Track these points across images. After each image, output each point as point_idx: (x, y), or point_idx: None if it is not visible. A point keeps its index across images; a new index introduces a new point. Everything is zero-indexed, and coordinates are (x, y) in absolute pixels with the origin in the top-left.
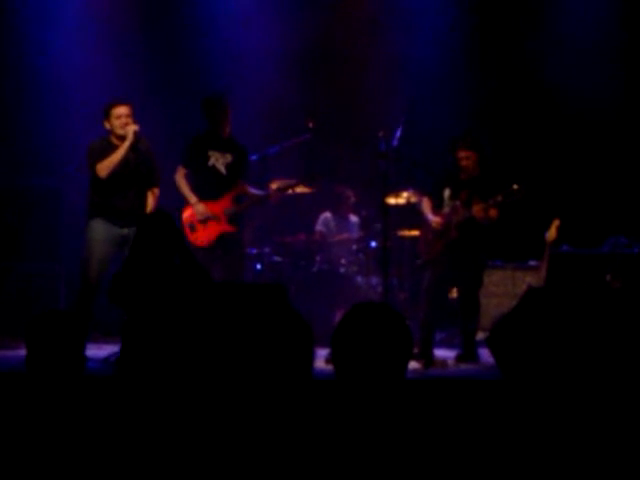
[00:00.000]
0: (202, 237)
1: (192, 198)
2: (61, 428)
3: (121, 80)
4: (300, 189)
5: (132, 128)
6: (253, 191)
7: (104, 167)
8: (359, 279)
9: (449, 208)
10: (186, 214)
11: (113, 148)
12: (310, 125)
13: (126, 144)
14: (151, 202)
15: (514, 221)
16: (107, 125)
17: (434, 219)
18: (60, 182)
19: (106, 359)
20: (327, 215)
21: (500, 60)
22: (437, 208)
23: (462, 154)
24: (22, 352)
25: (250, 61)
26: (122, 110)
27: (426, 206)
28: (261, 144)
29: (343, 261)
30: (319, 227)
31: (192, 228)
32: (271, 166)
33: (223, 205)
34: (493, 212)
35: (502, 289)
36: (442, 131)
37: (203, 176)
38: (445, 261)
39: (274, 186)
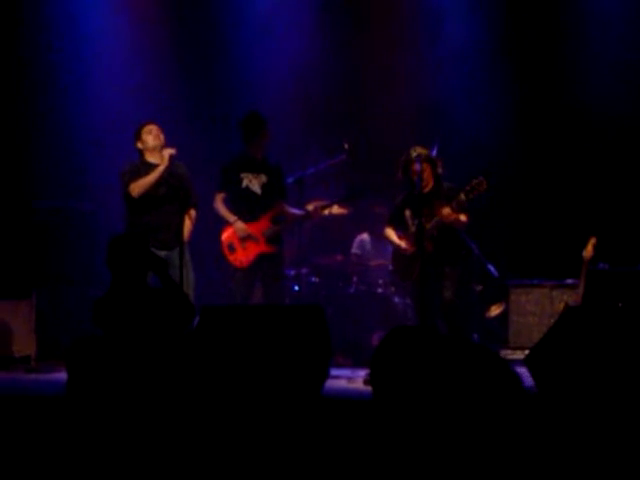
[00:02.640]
0: (241, 258)
1: (231, 217)
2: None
3: (155, 104)
4: (338, 210)
5: (168, 152)
6: (292, 211)
7: (137, 187)
8: (396, 300)
9: (414, 227)
10: (225, 235)
11: (147, 166)
12: (346, 146)
13: (161, 168)
14: (188, 224)
15: (551, 239)
16: (139, 145)
17: (405, 246)
18: (96, 205)
19: None
20: (364, 237)
21: (534, 75)
22: (404, 231)
23: (416, 166)
24: (62, 376)
25: (283, 81)
26: (151, 126)
27: (390, 234)
28: (297, 166)
29: (380, 282)
30: (354, 250)
31: (231, 249)
32: (307, 187)
33: (262, 226)
34: (463, 217)
35: (539, 308)
36: (476, 147)
37: (239, 198)
38: (426, 276)
39: (311, 207)
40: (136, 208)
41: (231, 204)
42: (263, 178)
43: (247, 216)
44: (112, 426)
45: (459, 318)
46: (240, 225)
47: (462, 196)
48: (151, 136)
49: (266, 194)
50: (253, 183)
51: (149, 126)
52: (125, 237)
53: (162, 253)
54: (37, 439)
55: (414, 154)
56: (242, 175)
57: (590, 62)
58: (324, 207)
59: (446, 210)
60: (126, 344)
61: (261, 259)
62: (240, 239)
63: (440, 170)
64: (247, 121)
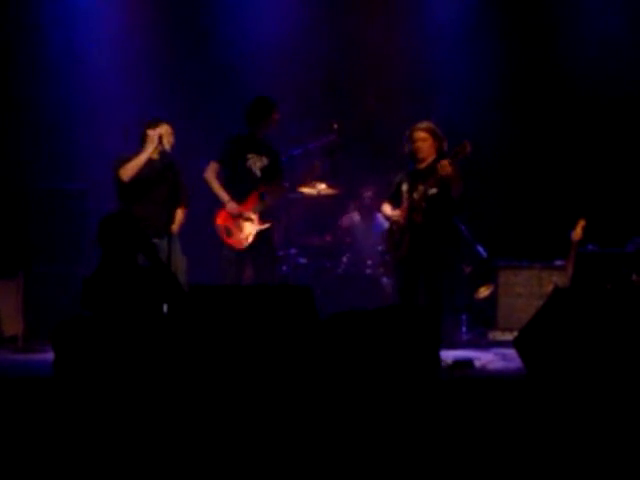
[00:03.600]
0: (239, 239)
1: (225, 196)
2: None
3: (148, 86)
4: (327, 190)
5: (157, 132)
6: (283, 184)
7: (127, 170)
8: (385, 280)
9: (407, 201)
10: (220, 219)
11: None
12: (335, 126)
13: (149, 147)
14: (179, 217)
15: (540, 221)
16: (150, 132)
17: (396, 214)
18: (85, 185)
19: None
20: (354, 215)
21: (526, 54)
22: (398, 205)
23: (419, 135)
24: (49, 356)
25: (272, 61)
26: (166, 126)
27: (386, 208)
28: (286, 145)
29: (369, 263)
30: (343, 222)
31: (228, 232)
32: (296, 167)
33: (252, 204)
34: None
35: (528, 289)
36: (467, 127)
37: (238, 176)
38: (415, 256)
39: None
40: (127, 195)
41: (227, 180)
42: (265, 161)
43: (240, 195)
44: (100, 406)
45: (443, 297)
46: (233, 205)
47: (448, 160)
48: (165, 138)
49: (264, 177)
50: (256, 165)
51: (167, 126)
52: (117, 215)
53: (153, 241)
54: (24, 419)
55: (421, 126)
56: (248, 155)
57: (580, 38)
58: (307, 179)
59: (443, 162)
60: (114, 324)
61: (256, 238)
62: (234, 220)
63: (445, 147)
64: (261, 102)
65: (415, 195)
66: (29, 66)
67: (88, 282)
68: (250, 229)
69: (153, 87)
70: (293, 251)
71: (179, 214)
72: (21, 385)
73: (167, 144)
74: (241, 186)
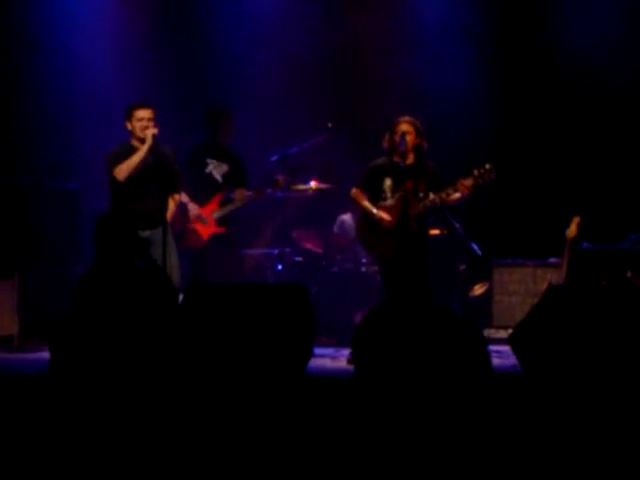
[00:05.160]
0: (192, 240)
1: (184, 197)
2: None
3: (140, 84)
4: (317, 186)
5: (151, 131)
6: (247, 192)
7: (122, 170)
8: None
9: (394, 201)
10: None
11: (133, 151)
12: (329, 125)
13: (144, 147)
14: (172, 207)
15: (534, 219)
16: (129, 126)
17: (386, 217)
18: (81, 184)
19: None
20: (345, 217)
21: (521, 52)
22: (375, 199)
23: (403, 127)
24: (45, 355)
25: (267, 60)
26: (144, 113)
27: (362, 197)
28: (280, 144)
29: (364, 260)
30: (336, 230)
31: (184, 233)
32: (291, 166)
33: (210, 208)
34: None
35: (523, 287)
36: (460, 123)
37: (200, 182)
38: (401, 255)
39: (280, 178)
40: (121, 191)
41: (188, 184)
42: (225, 167)
43: (202, 200)
44: (96, 405)
45: (432, 296)
46: (193, 206)
47: (470, 180)
48: (140, 125)
49: (226, 183)
50: (216, 171)
51: (142, 111)
52: (113, 215)
53: (146, 233)
54: (20, 419)
55: (405, 118)
56: (207, 160)
57: (573, 32)
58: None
59: (466, 183)
60: (109, 322)
61: (212, 240)
62: (191, 221)
63: (425, 146)
64: (211, 112)
65: (421, 206)
66: (23, 65)
67: (84, 279)
68: (204, 232)
69: (151, 87)
70: (288, 249)
71: (171, 204)
72: (17, 385)
73: (147, 129)
74: (202, 191)
